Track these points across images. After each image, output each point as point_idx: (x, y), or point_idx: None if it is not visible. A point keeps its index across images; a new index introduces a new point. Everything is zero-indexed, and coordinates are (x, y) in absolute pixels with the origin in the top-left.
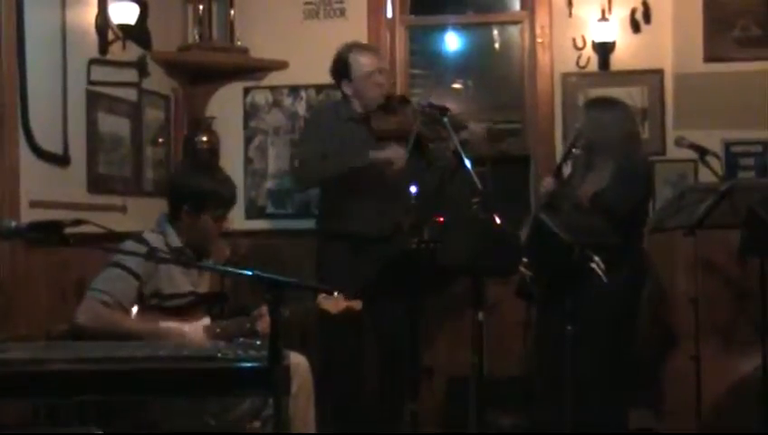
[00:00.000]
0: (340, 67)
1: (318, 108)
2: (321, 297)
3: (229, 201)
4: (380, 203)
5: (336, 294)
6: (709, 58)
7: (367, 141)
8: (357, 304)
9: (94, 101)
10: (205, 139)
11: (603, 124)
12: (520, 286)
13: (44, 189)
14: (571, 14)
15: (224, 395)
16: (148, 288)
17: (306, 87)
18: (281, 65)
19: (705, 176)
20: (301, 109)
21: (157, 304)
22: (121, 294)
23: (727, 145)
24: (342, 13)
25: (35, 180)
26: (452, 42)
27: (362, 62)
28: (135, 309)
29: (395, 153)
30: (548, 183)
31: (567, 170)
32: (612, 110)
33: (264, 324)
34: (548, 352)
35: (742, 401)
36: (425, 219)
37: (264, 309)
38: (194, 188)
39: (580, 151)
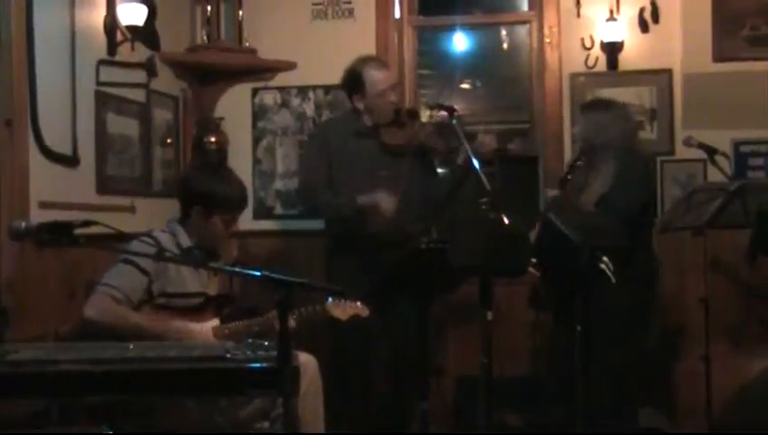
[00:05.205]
0: (354, 81)
1: (325, 121)
2: (330, 304)
3: (240, 205)
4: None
5: (344, 301)
6: (718, 58)
7: (375, 155)
8: (364, 311)
9: (103, 101)
10: (213, 139)
11: (602, 126)
12: (532, 296)
13: (54, 190)
14: (579, 14)
15: (233, 395)
16: (156, 286)
17: (314, 87)
18: (289, 66)
19: (715, 176)
20: (309, 109)
21: (165, 303)
22: (130, 289)
23: (736, 145)
24: (351, 13)
25: (45, 181)
26: (460, 42)
27: (377, 79)
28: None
29: (383, 200)
30: (553, 194)
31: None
32: (610, 111)
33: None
34: (559, 353)
35: (752, 400)
36: (431, 223)
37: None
38: (207, 191)
39: (584, 159)
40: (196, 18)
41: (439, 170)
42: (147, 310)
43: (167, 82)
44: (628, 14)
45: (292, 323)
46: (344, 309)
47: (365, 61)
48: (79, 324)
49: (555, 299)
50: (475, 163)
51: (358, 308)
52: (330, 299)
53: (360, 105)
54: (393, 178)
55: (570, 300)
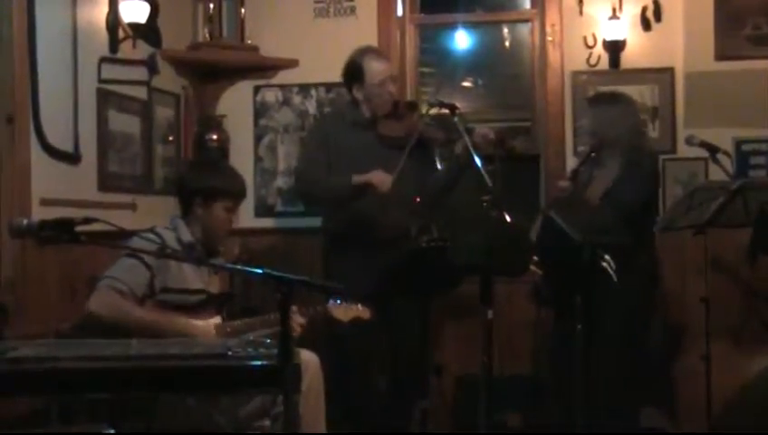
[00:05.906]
0: (354, 71)
1: (324, 114)
2: (331, 305)
3: (239, 192)
4: (386, 206)
5: (346, 303)
6: (720, 56)
7: (373, 147)
8: (365, 313)
9: (105, 99)
10: (215, 137)
11: (610, 120)
12: (534, 292)
13: (55, 187)
14: (581, 13)
15: (234, 393)
16: (158, 282)
17: (316, 85)
18: (291, 63)
19: (716, 174)
20: (311, 107)
21: (166, 298)
22: (135, 283)
23: (738, 143)
24: (353, 11)
25: (46, 178)
26: (462, 40)
27: (376, 69)
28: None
29: (378, 177)
30: (564, 185)
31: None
32: (617, 104)
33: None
34: (561, 352)
35: (752, 400)
36: (431, 221)
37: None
38: (204, 182)
39: (594, 152)
40: (198, 15)
41: (439, 167)
42: (149, 305)
43: (168, 79)
44: (631, 13)
45: (300, 319)
46: (346, 311)
47: (364, 51)
48: (81, 319)
49: (556, 298)
50: (477, 159)
51: (359, 311)
52: (331, 301)
53: (359, 95)
54: (389, 170)
55: (571, 299)
